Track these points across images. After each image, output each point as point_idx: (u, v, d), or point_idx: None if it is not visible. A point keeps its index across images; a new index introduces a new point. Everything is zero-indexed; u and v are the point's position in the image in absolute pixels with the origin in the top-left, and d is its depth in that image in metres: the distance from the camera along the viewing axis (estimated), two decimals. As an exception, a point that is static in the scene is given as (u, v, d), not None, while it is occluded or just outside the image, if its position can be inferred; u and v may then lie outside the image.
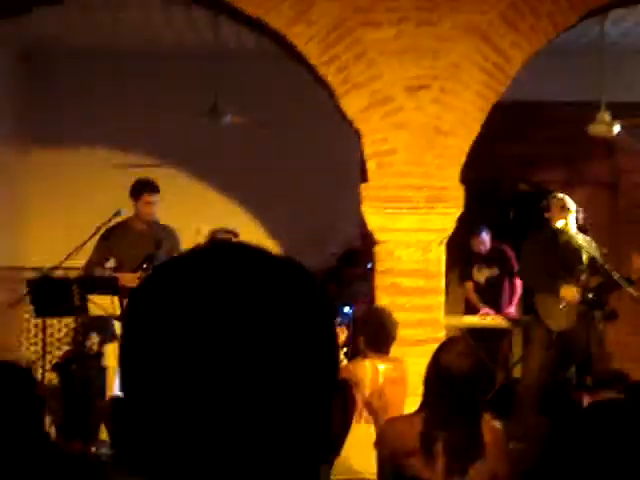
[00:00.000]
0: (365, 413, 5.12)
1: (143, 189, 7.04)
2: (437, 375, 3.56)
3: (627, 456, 3.46)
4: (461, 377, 3.51)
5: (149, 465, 0.90)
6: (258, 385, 0.89)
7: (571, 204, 7.18)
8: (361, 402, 5.14)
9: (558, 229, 7.12)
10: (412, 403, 5.31)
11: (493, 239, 8.63)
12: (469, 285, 8.58)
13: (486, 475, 3.53)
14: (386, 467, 3.65)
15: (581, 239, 7.22)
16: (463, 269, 8.69)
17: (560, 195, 7.31)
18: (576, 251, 7.16)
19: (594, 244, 7.32)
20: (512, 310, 8.37)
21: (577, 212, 7.26)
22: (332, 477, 5.14)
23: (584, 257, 7.17)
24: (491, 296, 8.41)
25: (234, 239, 7.41)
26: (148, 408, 0.91)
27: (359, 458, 5.03)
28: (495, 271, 8.51)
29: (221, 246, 1.00)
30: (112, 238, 7.02)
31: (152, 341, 0.90)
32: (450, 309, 8.08)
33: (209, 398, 0.88)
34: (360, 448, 5.06)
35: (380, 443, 3.68)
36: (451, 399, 3.51)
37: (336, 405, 0.96)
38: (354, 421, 5.22)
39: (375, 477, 4.94)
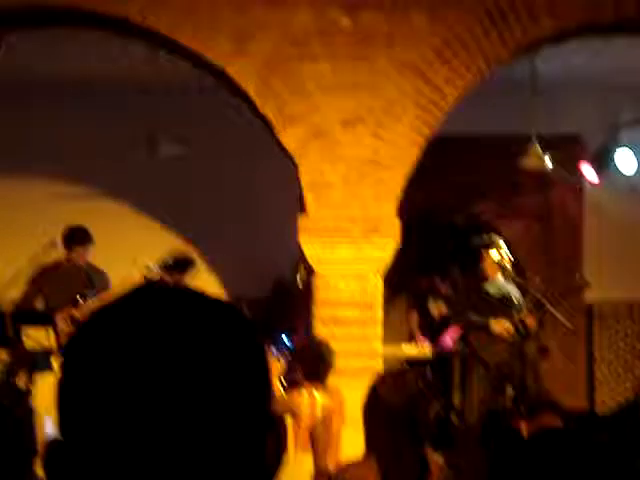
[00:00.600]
0: (301, 442, 5.15)
1: (75, 241, 6.99)
2: (379, 413, 3.58)
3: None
4: (404, 412, 3.55)
5: None
6: (191, 426, 0.92)
7: (501, 253, 7.35)
8: (298, 432, 5.17)
9: (487, 281, 7.34)
10: (348, 433, 5.38)
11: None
12: (413, 315, 8.65)
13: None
14: None
15: (510, 288, 7.41)
16: (412, 297, 8.78)
17: (490, 251, 7.43)
18: (506, 299, 7.36)
19: (521, 282, 7.51)
20: (448, 340, 8.44)
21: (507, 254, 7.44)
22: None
23: (514, 300, 7.36)
24: (443, 330, 8.46)
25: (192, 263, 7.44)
26: (84, 453, 0.93)
27: None
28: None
29: (155, 290, 1.03)
30: (42, 276, 6.98)
31: (88, 388, 0.93)
32: (394, 336, 8.18)
33: (143, 441, 0.91)
34: (296, 476, 5.09)
35: None
36: (396, 435, 3.54)
37: (269, 439, 1.00)
38: (292, 450, 5.26)
39: None
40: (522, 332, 7.21)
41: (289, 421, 5.25)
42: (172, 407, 0.91)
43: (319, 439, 5.15)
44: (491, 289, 7.36)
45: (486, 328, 7.19)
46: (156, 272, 7.23)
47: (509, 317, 7.23)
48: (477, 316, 7.25)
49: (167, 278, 7.15)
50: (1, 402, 7.08)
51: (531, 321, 7.22)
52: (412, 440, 3.55)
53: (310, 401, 5.16)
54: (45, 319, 6.61)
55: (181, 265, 7.58)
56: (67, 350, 0.97)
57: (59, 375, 0.97)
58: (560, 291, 7.56)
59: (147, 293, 1.00)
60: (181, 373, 0.92)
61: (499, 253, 7.36)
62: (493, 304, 7.29)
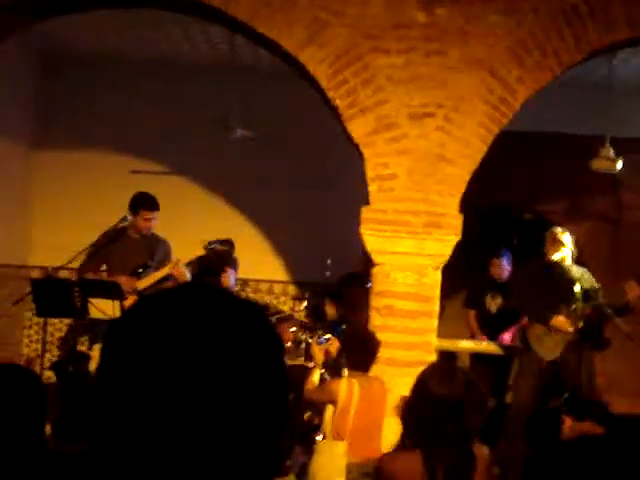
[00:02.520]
0: (338, 430, 5.24)
1: (142, 206, 7.13)
2: (428, 405, 3.62)
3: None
4: (453, 404, 3.59)
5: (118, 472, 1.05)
6: (212, 410, 1.03)
7: (565, 238, 7.30)
8: (333, 419, 5.26)
9: (552, 261, 7.25)
10: (396, 423, 5.45)
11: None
12: (471, 313, 8.65)
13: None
14: None
15: (575, 271, 7.33)
16: (470, 294, 8.76)
17: (555, 229, 7.43)
18: (569, 282, 7.27)
19: (587, 275, 7.42)
20: (507, 337, 8.43)
21: (573, 245, 7.37)
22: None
23: (576, 289, 7.28)
24: (501, 326, 8.41)
25: (230, 249, 7.55)
26: (119, 423, 1.05)
27: (326, 473, 5.17)
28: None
29: (191, 288, 1.14)
30: (107, 246, 7.13)
31: (126, 369, 1.05)
32: (451, 331, 8.20)
33: (170, 417, 1.03)
34: (326, 463, 5.19)
35: (381, 476, 3.76)
36: (444, 427, 3.59)
37: (282, 427, 1.11)
38: (324, 437, 5.36)
39: None
40: (579, 329, 7.15)
41: (329, 408, 5.35)
42: (195, 393, 1.03)
43: (355, 428, 5.24)
44: (556, 269, 7.26)
45: (545, 321, 7.13)
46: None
47: (568, 308, 7.16)
48: (537, 304, 7.18)
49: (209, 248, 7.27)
50: (68, 364, 7.35)
51: (589, 314, 7.13)
52: (459, 433, 3.61)
53: (348, 389, 5.24)
54: (111, 290, 6.79)
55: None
56: (108, 336, 1.10)
57: (100, 359, 1.09)
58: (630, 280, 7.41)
59: (186, 291, 1.12)
60: (205, 364, 1.04)
61: (569, 242, 7.32)
62: (554, 294, 7.20)
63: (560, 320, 7.11)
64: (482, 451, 3.86)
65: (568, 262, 7.32)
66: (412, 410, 3.68)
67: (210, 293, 1.12)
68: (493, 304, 8.60)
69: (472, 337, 8.55)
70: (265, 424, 1.07)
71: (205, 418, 1.03)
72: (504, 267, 8.54)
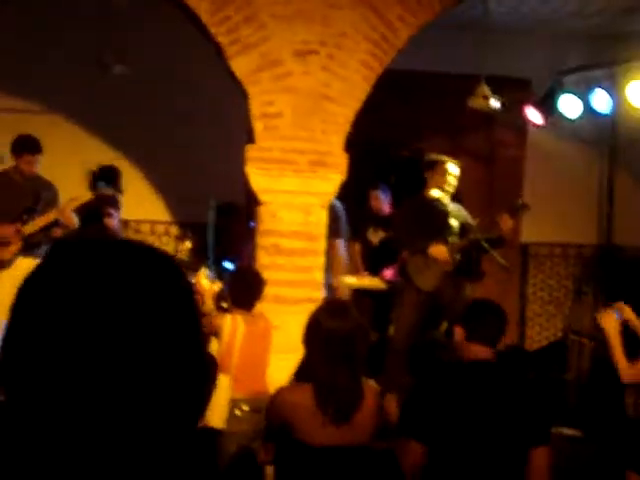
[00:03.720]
0: (222, 364, 5.30)
1: (24, 149, 6.91)
2: (321, 339, 3.72)
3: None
4: (345, 338, 3.70)
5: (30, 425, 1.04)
6: (128, 356, 1.04)
7: (454, 169, 7.46)
8: (217, 353, 5.32)
9: (430, 197, 7.42)
10: (285, 359, 5.53)
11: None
12: (356, 247, 8.76)
13: (366, 424, 3.76)
14: (275, 433, 3.82)
15: (451, 207, 7.52)
16: (353, 228, 8.88)
17: (445, 159, 7.53)
18: (446, 216, 7.46)
19: (463, 211, 7.64)
20: (389, 273, 8.59)
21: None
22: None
23: (454, 223, 7.48)
24: (383, 259, 8.55)
25: (117, 174, 7.46)
26: (24, 392, 1.04)
27: (209, 406, 5.24)
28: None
29: (93, 242, 1.14)
30: None
31: (39, 315, 1.05)
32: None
33: (85, 365, 1.03)
34: (214, 398, 5.25)
35: (272, 411, 3.83)
36: (336, 360, 3.69)
37: (200, 372, 1.12)
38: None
39: (221, 425, 5.15)
40: (456, 261, 7.34)
41: (213, 342, 5.40)
42: (106, 342, 1.03)
43: (239, 362, 5.31)
44: (438, 207, 7.43)
45: (423, 251, 7.28)
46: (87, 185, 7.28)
47: (445, 241, 7.34)
48: (416, 236, 7.33)
49: (94, 190, 7.18)
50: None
51: (465, 247, 7.33)
52: (349, 367, 3.72)
53: (232, 325, 5.30)
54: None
55: (108, 176, 7.61)
56: (21, 289, 1.09)
57: (11, 310, 1.08)
58: (500, 214, 7.61)
59: (87, 244, 1.12)
60: (113, 310, 1.04)
61: (449, 170, 7.47)
62: (434, 225, 7.37)
63: (439, 248, 7.27)
64: (372, 385, 4.00)
65: (447, 198, 7.50)
66: (306, 344, 3.78)
67: (118, 245, 1.12)
68: (375, 237, 8.74)
69: (355, 270, 8.69)
70: (182, 369, 1.08)
71: (122, 365, 1.03)
72: (381, 199, 8.72)
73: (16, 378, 1.05)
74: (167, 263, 1.11)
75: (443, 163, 7.46)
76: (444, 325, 7.89)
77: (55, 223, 6.90)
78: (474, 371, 3.91)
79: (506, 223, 7.30)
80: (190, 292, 1.12)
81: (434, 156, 7.59)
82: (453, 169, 7.48)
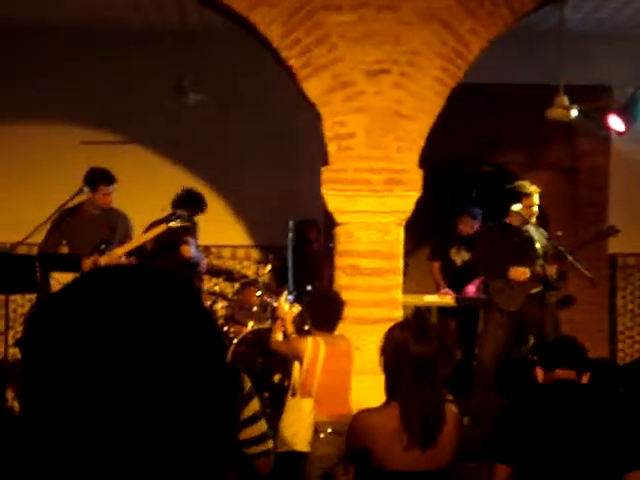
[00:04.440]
0: (304, 388, 5.28)
1: (99, 180, 7.02)
2: (408, 363, 3.66)
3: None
4: (431, 361, 3.65)
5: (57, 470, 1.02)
6: (146, 382, 1.01)
7: (536, 197, 7.36)
8: (299, 377, 5.31)
9: (510, 224, 7.35)
10: (366, 380, 5.49)
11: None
12: (435, 265, 8.70)
13: (448, 448, 3.70)
14: (354, 456, 3.77)
15: (532, 231, 7.42)
16: (434, 247, 8.81)
17: (526, 185, 7.42)
18: (528, 241, 7.36)
19: (545, 234, 7.54)
20: (472, 289, 8.48)
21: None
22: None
23: (536, 245, 7.37)
24: (467, 279, 8.46)
25: (195, 224, 7.54)
26: (46, 424, 1.02)
27: (293, 430, 5.22)
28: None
29: (111, 271, 1.12)
30: (66, 222, 7.04)
31: (52, 360, 1.02)
32: (417, 287, 8.25)
33: (105, 404, 1.00)
34: (294, 421, 5.24)
35: (352, 434, 3.79)
36: (423, 383, 3.64)
37: (227, 393, 1.09)
38: (290, 395, 5.41)
39: (306, 449, 5.13)
40: (542, 280, 7.25)
41: (295, 366, 5.39)
42: (126, 371, 1.00)
43: (321, 385, 5.28)
44: (521, 234, 7.35)
45: (504, 275, 7.23)
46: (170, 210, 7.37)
47: (530, 265, 7.25)
48: (496, 262, 7.28)
49: (180, 213, 7.26)
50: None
51: (551, 270, 7.25)
52: (433, 386, 3.66)
53: (314, 348, 5.28)
54: (72, 264, 6.72)
55: (192, 202, 7.69)
56: (33, 321, 1.07)
57: (22, 357, 1.06)
58: (587, 239, 7.53)
59: (99, 275, 1.10)
60: (136, 342, 1.01)
61: (535, 200, 7.38)
62: (516, 251, 7.30)
63: (517, 270, 7.19)
64: (452, 408, 3.93)
65: (531, 227, 7.41)
66: (389, 368, 3.73)
67: (124, 274, 1.10)
68: (458, 257, 8.66)
69: (437, 289, 8.61)
70: (206, 399, 1.05)
71: (143, 400, 1.01)
72: (470, 223, 8.60)
73: (34, 418, 1.04)
74: (182, 288, 1.09)
75: (529, 196, 7.34)
76: (531, 342, 7.75)
77: (130, 253, 7.00)
78: (564, 391, 3.83)
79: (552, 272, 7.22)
80: (208, 316, 1.10)
81: (517, 187, 7.44)
82: (536, 199, 7.37)
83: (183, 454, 1.02)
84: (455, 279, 8.56)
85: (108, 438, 1.00)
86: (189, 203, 7.67)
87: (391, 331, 3.78)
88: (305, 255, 8.34)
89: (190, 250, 7.58)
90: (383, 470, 3.63)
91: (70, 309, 1.05)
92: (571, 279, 7.98)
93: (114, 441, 1.00)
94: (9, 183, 9.23)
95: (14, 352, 7.49)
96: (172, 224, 7.07)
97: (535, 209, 7.40)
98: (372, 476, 3.68)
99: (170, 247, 7.40)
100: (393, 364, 3.71)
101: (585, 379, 3.96)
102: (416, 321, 4.29)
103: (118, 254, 6.96)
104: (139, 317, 1.03)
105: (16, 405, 6.67)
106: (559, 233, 7.45)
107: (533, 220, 7.44)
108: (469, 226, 8.60)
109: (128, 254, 6.96)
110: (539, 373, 4.02)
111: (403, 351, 3.68)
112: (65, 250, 7.15)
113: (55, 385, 1.02)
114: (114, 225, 7.08)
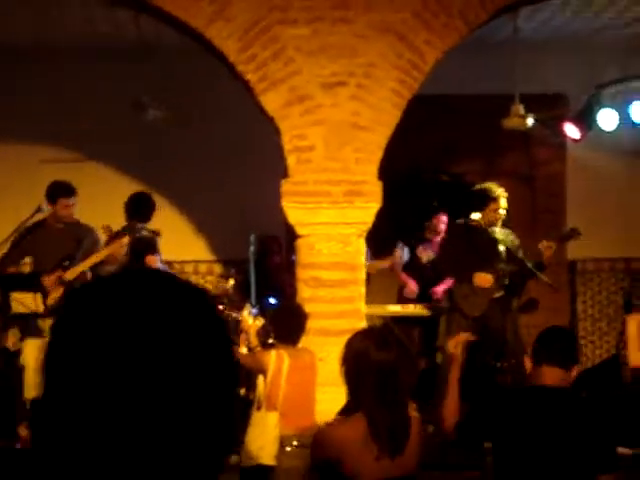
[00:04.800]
0: (269, 401, 5.29)
1: (59, 194, 6.99)
2: (370, 371, 3.65)
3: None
4: (393, 369, 3.65)
5: (64, 464, 1.04)
6: (163, 387, 1.04)
7: (504, 201, 7.38)
8: (264, 390, 5.31)
9: (474, 224, 7.35)
10: (330, 392, 5.50)
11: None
12: (397, 253, 8.67)
13: (413, 453, 3.71)
14: (320, 468, 3.76)
15: (497, 232, 7.45)
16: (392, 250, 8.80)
17: (495, 188, 7.42)
18: (493, 243, 7.39)
19: (511, 236, 7.55)
20: (439, 290, 8.39)
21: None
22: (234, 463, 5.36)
23: (501, 249, 7.42)
24: (430, 279, 8.47)
25: (157, 238, 7.51)
26: (66, 411, 1.04)
27: (259, 444, 5.23)
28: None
29: (134, 273, 1.14)
30: (29, 239, 7.00)
31: (74, 352, 1.05)
32: (382, 297, 8.27)
33: (120, 401, 1.03)
34: (260, 434, 5.25)
35: (318, 448, 3.76)
36: (386, 392, 3.64)
37: (232, 408, 1.12)
38: (255, 408, 5.41)
39: (272, 462, 5.13)
40: (505, 285, 7.30)
41: (260, 379, 5.39)
42: (145, 372, 1.03)
43: (285, 397, 5.29)
44: (487, 236, 7.34)
45: (469, 279, 7.26)
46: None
47: (494, 268, 7.29)
48: (462, 266, 7.30)
49: (130, 222, 7.26)
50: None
51: (546, 246, 7.22)
52: (396, 394, 3.67)
53: (277, 361, 5.29)
54: (32, 283, 6.67)
55: (142, 205, 7.67)
56: (57, 320, 1.09)
57: (49, 340, 1.09)
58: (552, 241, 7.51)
59: (127, 275, 1.13)
60: (153, 344, 1.04)
61: (502, 204, 7.38)
62: (481, 254, 7.32)
63: (482, 277, 7.24)
64: (415, 414, 3.94)
65: (497, 230, 7.43)
66: (351, 378, 3.72)
67: (152, 276, 1.13)
68: (424, 255, 8.66)
69: (400, 299, 8.62)
70: (216, 404, 1.08)
71: (156, 403, 1.03)
72: (444, 221, 8.58)
73: (51, 419, 1.05)
74: (197, 294, 1.12)
75: (496, 199, 7.34)
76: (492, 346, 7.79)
77: (101, 263, 6.97)
78: (532, 396, 3.85)
79: (547, 249, 7.22)
80: (222, 322, 1.13)
81: (486, 190, 7.42)
82: (504, 202, 7.38)
83: (183, 451, 1.04)
84: (420, 277, 8.58)
85: (117, 426, 1.02)
86: (140, 206, 7.64)
87: (351, 340, 3.77)
88: (267, 268, 8.34)
89: (156, 260, 7.55)
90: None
91: (98, 303, 1.08)
92: (532, 285, 8.04)
93: (122, 429, 1.03)
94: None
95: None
96: (135, 234, 7.07)
97: (502, 212, 7.39)
98: None
99: (136, 259, 7.36)
100: (355, 373, 3.70)
101: (574, 373, 3.91)
102: (377, 329, 4.31)
103: (81, 269, 6.91)
104: (161, 318, 1.06)
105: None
106: (517, 242, 7.51)
107: (499, 224, 7.44)
108: (441, 221, 8.60)
109: (96, 266, 6.94)
110: (527, 365, 4.00)
111: (364, 360, 3.66)
112: (27, 269, 7.09)
113: (73, 370, 1.04)
114: (80, 238, 7.03)
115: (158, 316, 1.06)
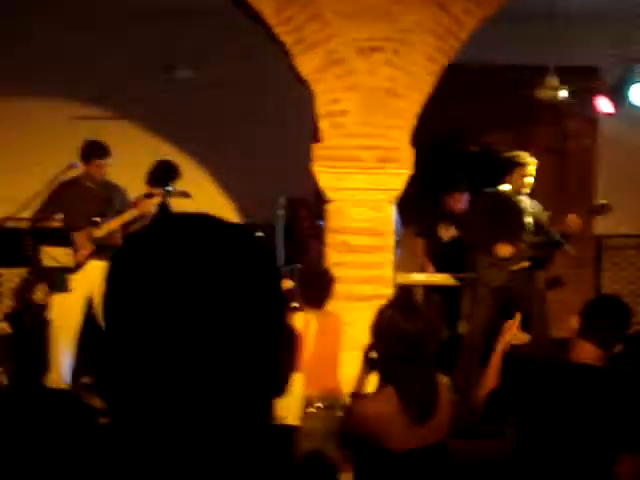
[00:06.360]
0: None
1: (93, 154, 7.03)
2: (397, 340, 3.68)
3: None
4: (419, 338, 3.67)
5: (124, 398, 1.06)
6: (215, 331, 1.05)
7: (533, 169, 7.32)
8: None
9: (506, 194, 7.32)
10: (355, 356, 5.53)
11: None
12: (420, 243, 8.70)
13: (444, 421, 3.74)
14: (353, 441, 3.79)
15: (526, 202, 7.42)
16: (422, 225, 8.80)
17: (524, 156, 7.37)
18: (519, 213, 7.36)
19: (538, 207, 7.52)
20: None
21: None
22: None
23: (528, 220, 7.39)
24: (453, 255, 8.43)
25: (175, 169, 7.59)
26: (127, 351, 1.07)
27: (284, 403, 5.26)
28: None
29: (188, 217, 1.15)
30: (63, 194, 7.05)
31: (129, 298, 1.07)
32: (406, 265, 8.27)
33: (175, 341, 1.05)
34: (284, 394, 5.28)
35: (352, 422, 3.80)
36: (413, 360, 3.66)
37: (283, 349, 1.13)
38: None
39: (295, 423, 5.17)
40: (529, 257, 7.28)
41: None
42: (198, 315, 1.05)
43: (310, 359, 5.32)
44: (514, 205, 7.31)
45: (489, 251, 7.23)
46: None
47: (518, 238, 7.25)
48: (485, 235, 7.27)
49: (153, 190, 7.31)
50: (23, 314, 7.30)
51: (573, 221, 7.19)
52: (425, 365, 3.69)
53: (304, 324, 5.32)
54: (63, 238, 6.73)
55: (167, 171, 7.71)
56: (112, 264, 1.11)
57: (106, 284, 1.11)
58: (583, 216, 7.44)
59: (181, 219, 1.14)
60: (207, 287, 1.06)
61: (530, 171, 7.33)
62: (505, 223, 7.28)
63: (502, 247, 7.20)
64: (443, 380, 3.96)
65: (527, 190, 7.37)
66: (381, 349, 3.75)
67: (204, 220, 1.13)
68: (446, 233, 8.66)
69: (421, 268, 8.63)
70: (267, 346, 1.09)
71: (212, 345, 1.05)
72: (464, 202, 8.57)
73: (111, 363, 1.08)
74: (253, 239, 1.13)
75: (524, 165, 7.29)
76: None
77: (130, 223, 7.03)
78: (563, 374, 3.81)
79: (574, 223, 7.18)
80: (276, 269, 1.15)
81: (514, 157, 7.38)
82: (532, 169, 7.33)
83: (236, 387, 1.07)
84: (441, 256, 8.57)
85: (175, 363, 1.05)
86: (165, 173, 7.69)
87: (380, 312, 3.80)
88: (295, 232, 8.36)
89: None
90: (387, 451, 3.66)
91: (151, 248, 1.09)
92: (557, 260, 8.02)
93: (180, 367, 1.05)
94: (0, 158, 9.19)
95: (3, 327, 7.49)
96: (167, 195, 7.12)
97: (530, 180, 7.34)
98: (377, 458, 3.71)
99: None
100: (381, 341, 3.74)
101: (617, 350, 3.73)
102: (404, 299, 4.33)
103: (112, 226, 6.97)
104: (214, 262, 1.07)
105: (3, 379, 6.68)
106: (547, 213, 7.48)
107: (527, 190, 7.38)
108: (459, 201, 8.59)
109: (128, 224, 7.00)
110: (573, 324, 3.84)
111: (391, 328, 3.69)
112: (57, 224, 7.14)
113: (132, 310, 1.06)
114: (109, 197, 7.08)
115: (211, 255, 1.07)
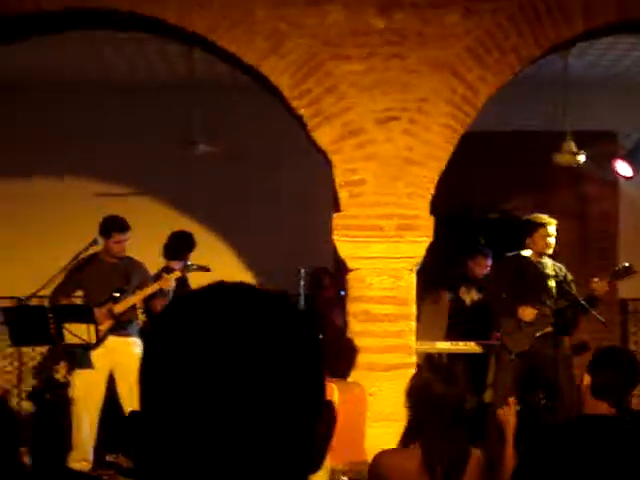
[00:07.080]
0: None
1: (112, 228, 7.10)
2: (431, 404, 3.65)
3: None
4: (455, 402, 3.64)
5: (161, 473, 1.05)
6: (253, 405, 1.03)
7: (552, 228, 7.30)
8: None
9: (528, 258, 7.29)
10: (380, 427, 5.47)
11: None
12: (444, 306, 8.61)
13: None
14: None
15: (549, 265, 7.38)
16: (444, 290, 8.75)
17: (543, 218, 7.36)
18: (542, 277, 7.31)
19: (564, 270, 7.47)
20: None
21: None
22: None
23: (551, 284, 7.33)
24: (475, 319, 8.43)
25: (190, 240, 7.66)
26: (163, 424, 1.05)
27: (310, 477, 5.16)
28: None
29: (227, 286, 1.13)
30: (83, 271, 7.10)
31: (168, 368, 1.05)
32: (426, 332, 8.21)
33: (213, 413, 1.02)
34: None
35: (373, 474, 3.76)
36: (446, 424, 3.63)
37: (322, 423, 1.11)
38: None
39: None
40: (554, 322, 7.20)
41: None
42: (237, 389, 1.02)
43: (336, 433, 5.24)
44: (536, 269, 7.26)
45: (512, 314, 7.16)
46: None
47: (541, 303, 7.19)
48: (507, 299, 7.21)
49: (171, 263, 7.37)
50: (45, 392, 7.28)
51: (601, 285, 7.12)
52: (456, 429, 3.64)
53: (328, 394, 5.25)
54: (85, 314, 6.75)
55: (184, 243, 7.78)
56: (150, 334, 1.09)
57: (142, 355, 1.09)
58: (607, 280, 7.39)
59: (219, 289, 1.11)
60: (246, 358, 1.03)
61: (551, 231, 7.30)
62: (528, 287, 7.23)
63: (524, 310, 7.14)
64: (476, 452, 3.90)
65: (549, 251, 7.34)
66: (413, 409, 3.72)
67: (243, 289, 1.11)
68: (467, 296, 8.61)
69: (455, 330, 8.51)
70: (307, 420, 1.07)
71: (254, 419, 1.02)
72: (486, 265, 8.55)
73: (147, 431, 1.06)
74: (295, 309, 1.10)
75: (544, 226, 7.29)
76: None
77: (152, 296, 7.07)
78: (590, 430, 3.72)
79: (600, 287, 7.12)
80: (316, 341, 1.12)
81: (534, 218, 7.39)
82: (552, 230, 7.32)
83: (270, 463, 1.04)
84: (464, 319, 8.51)
85: (212, 436, 1.02)
86: (181, 245, 7.76)
87: (418, 372, 3.79)
88: (317, 302, 8.34)
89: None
90: None
91: (191, 319, 1.07)
92: (583, 325, 7.94)
93: (217, 439, 1.02)
94: (23, 235, 9.28)
95: (25, 406, 7.47)
96: (187, 269, 7.16)
97: (551, 240, 7.31)
98: None
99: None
100: (418, 405, 3.71)
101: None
102: (439, 363, 4.30)
103: (131, 302, 7.00)
104: (257, 334, 1.05)
105: (27, 460, 6.64)
106: (571, 277, 7.42)
107: (549, 251, 7.34)
108: (482, 266, 8.56)
109: (149, 298, 7.04)
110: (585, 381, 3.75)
111: (426, 391, 3.68)
112: (77, 301, 7.18)
113: (170, 382, 1.04)
114: (129, 273, 7.12)
115: (248, 325, 1.05)
